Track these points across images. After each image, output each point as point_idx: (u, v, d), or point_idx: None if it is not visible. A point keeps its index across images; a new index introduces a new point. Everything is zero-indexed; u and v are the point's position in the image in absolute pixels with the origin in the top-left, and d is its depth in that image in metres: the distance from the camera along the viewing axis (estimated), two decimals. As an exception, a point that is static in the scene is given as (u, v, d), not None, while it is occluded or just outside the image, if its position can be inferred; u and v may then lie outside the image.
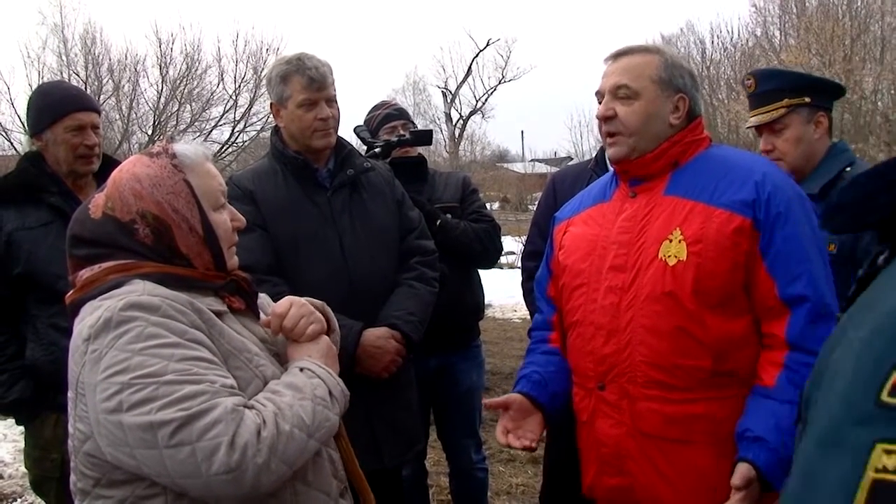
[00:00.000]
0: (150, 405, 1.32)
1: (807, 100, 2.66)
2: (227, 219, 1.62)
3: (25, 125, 2.96)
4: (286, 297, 1.71)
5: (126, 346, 1.36)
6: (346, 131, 3.31)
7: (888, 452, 0.61)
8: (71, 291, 1.54)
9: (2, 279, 2.66)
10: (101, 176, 2.78)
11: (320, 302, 1.83)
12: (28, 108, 2.89)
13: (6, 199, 2.72)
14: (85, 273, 1.52)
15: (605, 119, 2.00)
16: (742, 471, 1.75)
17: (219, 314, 1.54)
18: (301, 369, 1.55)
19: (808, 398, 0.79)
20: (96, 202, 1.56)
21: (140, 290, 1.44)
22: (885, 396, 0.63)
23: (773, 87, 2.70)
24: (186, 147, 1.62)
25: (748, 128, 2.84)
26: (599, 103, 2.04)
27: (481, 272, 3.54)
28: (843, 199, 0.80)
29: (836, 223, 0.83)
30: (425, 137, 3.35)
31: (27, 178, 2.75)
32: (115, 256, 1.52)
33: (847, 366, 0.68)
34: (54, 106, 2.76)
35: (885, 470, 0.61)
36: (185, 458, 1.31)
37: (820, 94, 2.72)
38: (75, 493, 1.51)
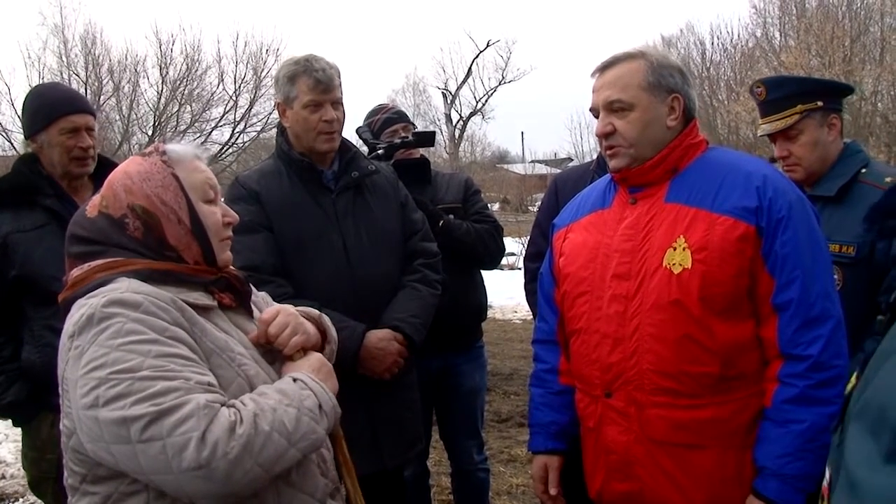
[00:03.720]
0: (125, 400, 1.33)
1: (819, 104, 2.66)
2: (216, 211, 1.65)
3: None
4: (275, 305, 1.74)
5: (106, 342, 1.38)
6: (348, 133, 3.33)
7: None
8: (63, 290, 1.57)
9: None
10: (98, 178, 2.79)
11: (317, 312, 1.84)
12: (23, 111, 2.88)
13: (1, 203, 2.71)
14: (75, 272, 1.56)
15: (604, 135, 2.01)
16: None
17: (206, 309, 1.56)
18: (294, 379, 1.55)
19: (851, 413, 0.78)
20: (93, 202, 1.61)
21: (124, 287, 1.46)
22: None
23: (784, 93, 2.70)
24: (177, 145, 1.68)
25: (761, 136, 2.84)
26: (596, 117, 2.05)
27: (482, 273, 3.55)
28: (892, 202, 0.79)
29: (889, 227, 0.83)
30: (428, 139, 3.36)
31: (22, 180, 2.75)
32: (107, 253, 1.55)
33: None
34: (48, 108, 2.75)
35: None
36: (156, 454, 1.31)
37: (831, 96, 2.72)
38: (67, 489, 1.54)
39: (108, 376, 1.35)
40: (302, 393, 1.50)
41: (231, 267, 1.71)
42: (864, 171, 2.63)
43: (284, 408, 1.44)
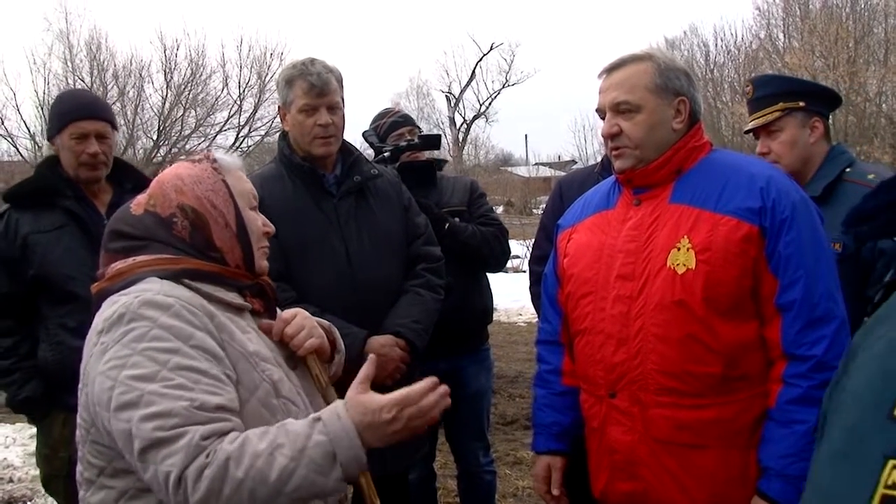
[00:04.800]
0: (132, 412, 1.38)
1: (801, 104, 2.73)
2: (258, 218, 1.72)
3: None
4: (295, 308, 1.78)
5: (130, 343, 1.43)
6: (353, 136, 3.34)
7: None
8: (99, 281, 1.61)
9: (17, 280, 2.76)
10: (117, 181, 2.93)
11: (328, 323, 1.87)
12: (48, 114, 3.05)
13: (22, 204, 2.82)
14: (117, 264, 1.59)
15: (610, 136, 2.02)
16: None
17: (240, 308, 1.62)
18: (318, 419, 1.44)
19: (826, 410, 0.79)
20: (139, 201, 1.67)
21: (157, 289, 1.50)
22: None
23: (769, 91, 2.78)
24: (225, 155, 1.76)
25: (746, 132, 2.91)
26: (602, 118, 2.06)
27: (487, 276, 3.56)
28: (869, 206, 0.80)
29: (865, 231, 0.83)
30: (434, 141, 3.38)
31: (42, 182, 2.87)
32: (149, 249, 1.59)
33: (861, 380, 0.68)
34: (62, 114, 2.88)
35: (894, 486, 0.61)
36: (149, 477, 1.38)
37: (814, 99, 2.78)
38: (81, 484, 1.56)
39: (123, 380, 1.39)
40: (313, 439, 1.39)
41: (266, 276, 1.75)
42: (848, 170, 2.69)
43: (276, 456, 1.37)
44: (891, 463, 0.61)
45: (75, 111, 2.86)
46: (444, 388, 1.49)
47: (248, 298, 1.67)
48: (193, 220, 1.62)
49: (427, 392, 1.48)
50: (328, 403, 1.78)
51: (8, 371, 2.78)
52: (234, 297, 1.62)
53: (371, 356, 1.56)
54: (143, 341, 1.42)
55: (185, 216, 1.61)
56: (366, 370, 1.52)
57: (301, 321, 1.73)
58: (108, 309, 1.49)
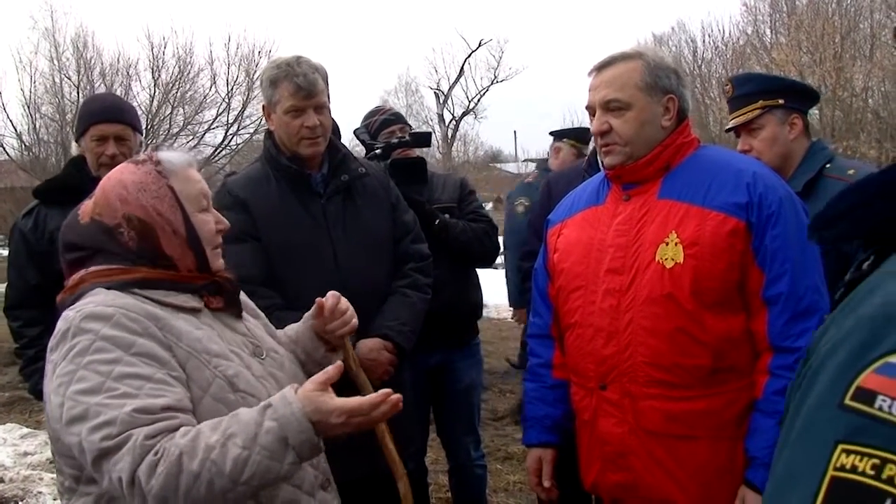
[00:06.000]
0: (82, 425, 1.40)
1: (780, 101, 2.76)
2: (209, 220, 1.67)
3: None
4: (334, 290, 1.87)
5: (74, 359, 1.44)
6: (344, 133, 3.35)
7: (847, 452, 0.66)
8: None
9: (45, 273, 2.86)
10: None
11: None
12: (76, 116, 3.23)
13: (52, 200, 2.99)
14: (68, 281, 1.60)
15: (600, 133, 2.04)
16: (744, 496, 1.91)
17: (194, 311, 1.60)
18: (268, 406, 1.44)
19: (789, 398, 0.83)
20: (85, 208, 1.63)
21: (99, 300, 1.50)
22: (847, 400, 0.68)
23: (748, 90, 2.81)
24: (170, 154, 1.69)
25: (727, 130, 2.93)
26: (591, 116, 2.08)
27: (477, 272, 3.59)
28: (829, 213, 0.83)
29: (826, 237, 0.86)
30: (424, 139, 3.41)
31: (70, 180, 3.05)
32: (98, 258, 1.58)
33: (822, 369, 0.73)
34: (85, 117, 3.06)
35: (842, 468, 0.66)
36: (107, 485, 1.42)
37: (793, 96, 2.81)
38: (62, 493, 1.58)
39: (71, 395, 1.42)
40: (264, 426, 1.40)
41: (223, 270, 1.72)
42: (828, 166, 2.73)
43: (229, 447, 1.38)
44: (840, 447, 0.66)
45: (96, 114, 3.00)
46: (396, 397, 1.50)
47: (206, 298, 1.64)
48: (140, 230, 1.58)
49: (378, 405, 1.48)
50: (359, 383, 1.85)
51: (34, 359, 2.92)
52: (185, 300, 1.59)
53: (338, 363, 1.55)
54: (86, 355, 1.44)
55: (132, 226, 1.58)
56: (328, 374, 1.49)
57: (346, 305, 1.83)
58: (57, 326, 1.52)
